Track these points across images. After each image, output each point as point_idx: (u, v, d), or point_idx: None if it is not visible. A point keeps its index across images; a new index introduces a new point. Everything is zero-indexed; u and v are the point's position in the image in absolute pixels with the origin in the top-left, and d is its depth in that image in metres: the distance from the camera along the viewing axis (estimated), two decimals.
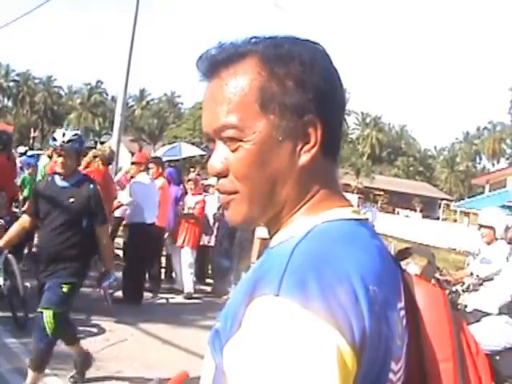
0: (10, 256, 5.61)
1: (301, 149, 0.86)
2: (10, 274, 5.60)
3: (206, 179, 10.33)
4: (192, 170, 9.49)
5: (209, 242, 8.67)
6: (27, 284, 5.66)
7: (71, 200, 3.99)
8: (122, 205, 7.73)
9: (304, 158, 0.86)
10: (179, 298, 7.86)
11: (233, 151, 0.87)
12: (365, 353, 0.74)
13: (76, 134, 4.03)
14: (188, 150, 14.39)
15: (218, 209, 8.36)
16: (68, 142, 3.92)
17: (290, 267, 0.76)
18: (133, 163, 7.79)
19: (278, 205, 0.88)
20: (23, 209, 10.43)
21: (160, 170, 8.02)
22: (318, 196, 0.89)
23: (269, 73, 0.86)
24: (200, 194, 8.34)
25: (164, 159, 13.34)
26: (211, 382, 0.84)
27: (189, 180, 8.29)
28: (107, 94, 73.77)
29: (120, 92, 11.24)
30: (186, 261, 7.98)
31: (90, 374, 4.62)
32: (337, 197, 0.91)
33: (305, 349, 0.69)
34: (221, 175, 0.89)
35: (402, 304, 0.88)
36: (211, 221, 8.55)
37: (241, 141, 0.85)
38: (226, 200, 0.90)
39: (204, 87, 0.92)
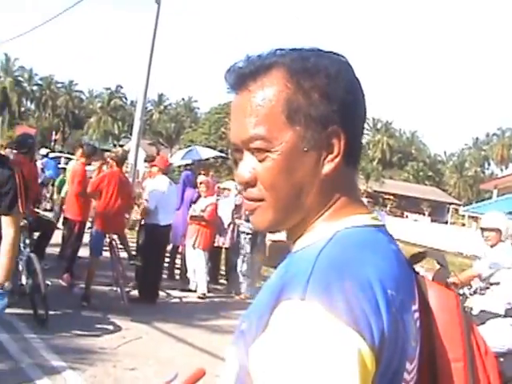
0: (32, 255, 5.74)
1: (324, 158, 0.89)
2: (32, 272, 5.68)
3: (219, 182, 10.42)
4: (203, 172, 9.54)
5: (223, 244, 8.75)
6: (48, 282, 5.76)
7: None
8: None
9: (327, 168, 0.89)
10: (193, 298, 7.94)
11: (260, 161, 0.89)
12: (383, 353, 0.77)
13: None
14: (205, 153, 14.90)
15: (233, 211, 8.47)
16: None
17: (315, 272, 0.79)
18: (153, 166, 7.98)
19: (303, 212, 0.91)
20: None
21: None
22: (339, 203, 0.92)
23: (295, 85, 0.88)
24: (212, 195, 8.42)
25: (179, 163, 13.50)
26: (233, 383, 0.87)
27: (201, 183, 8.35)
28: (126, 99, 74.71)
29: (140, 96, 11.35)
30: (199, 262, 8.07)
31: (107, 369, 4.76)
32: (357, 204, 0.94)
33: (328, 351, 0.73)
34: (249, 185, 0.91)
35: (416, 306, 0.91)
36: (226, 222, 8.61)
37: (268, 151, 0.88)
38: (251, 207, 0.92)
39: (230, 97, 0.94)
